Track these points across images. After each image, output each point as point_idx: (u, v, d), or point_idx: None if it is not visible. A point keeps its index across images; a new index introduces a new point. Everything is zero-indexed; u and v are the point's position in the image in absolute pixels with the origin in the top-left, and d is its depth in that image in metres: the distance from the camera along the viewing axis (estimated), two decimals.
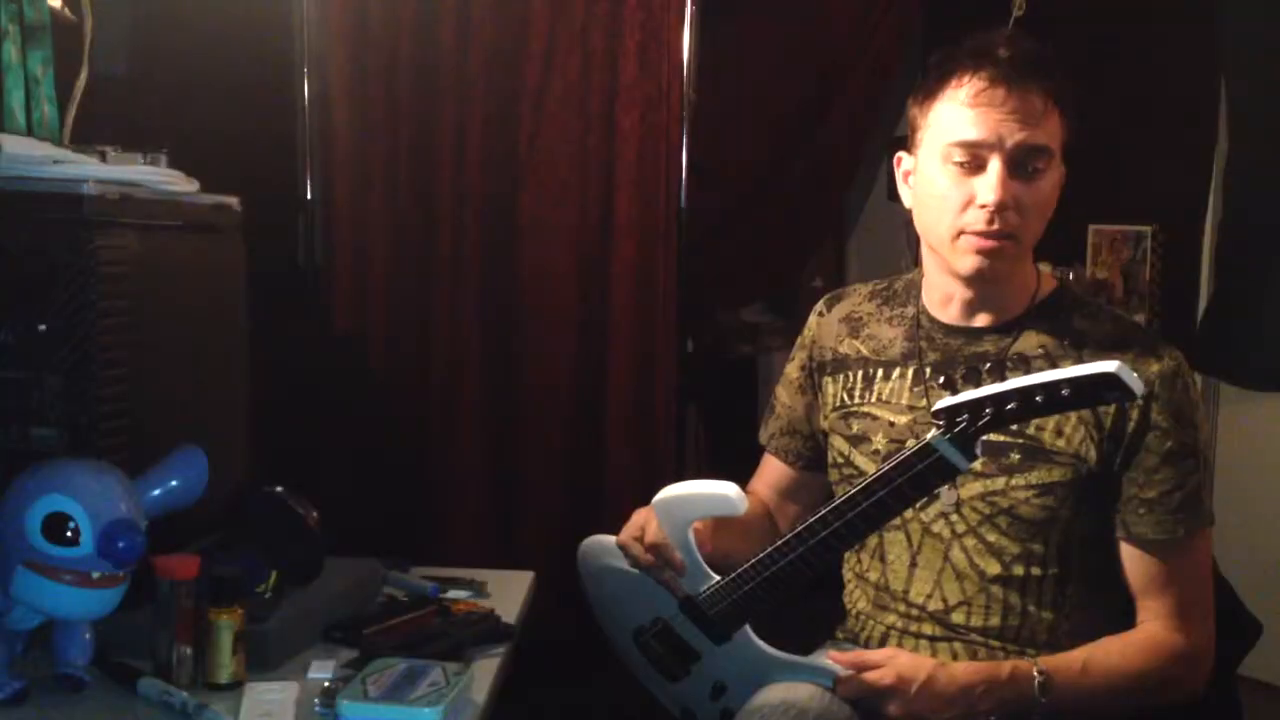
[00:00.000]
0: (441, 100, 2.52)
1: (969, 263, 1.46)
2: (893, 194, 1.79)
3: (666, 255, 2.52)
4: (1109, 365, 1.22)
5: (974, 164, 1.44)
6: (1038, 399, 1.25)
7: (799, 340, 1.75)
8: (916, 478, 1.36)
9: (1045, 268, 3.13)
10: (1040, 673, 1.41)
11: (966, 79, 1.45)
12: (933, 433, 1.34)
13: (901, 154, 1.57)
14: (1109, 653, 1.45)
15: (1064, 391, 1.24)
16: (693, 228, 2.56)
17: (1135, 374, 1.23)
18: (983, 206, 1.43)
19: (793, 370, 1.75)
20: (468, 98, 2.52)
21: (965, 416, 1.31)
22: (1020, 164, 1.43)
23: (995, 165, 1.42)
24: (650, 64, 2.48)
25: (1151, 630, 1.46)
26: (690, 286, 2.56)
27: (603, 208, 2.52)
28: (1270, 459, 3.21)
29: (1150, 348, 1.46)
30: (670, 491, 1.55)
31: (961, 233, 1.45)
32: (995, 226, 1.43)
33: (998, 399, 1.28)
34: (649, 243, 2.51)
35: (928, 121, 1.49)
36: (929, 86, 1.50)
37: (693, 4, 2.47)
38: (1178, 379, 1.44)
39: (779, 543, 1.47)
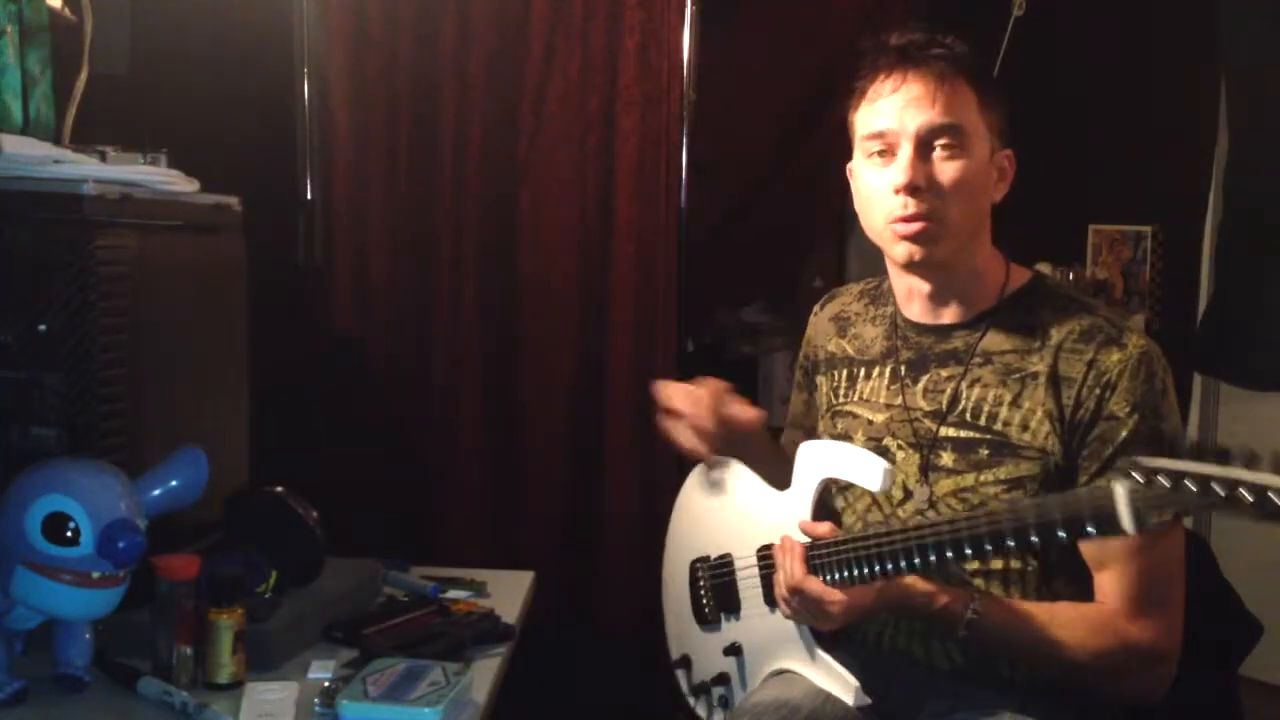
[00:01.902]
0: (441, 100, 2.51)
1: (900, 251, 1.50)
2: None
3: (666, 255, 2.52)
4: None
5: (888, 153, 1.49)
6: (1218, 491, 1.15)
7: (802, 341, 1.80)
8: (1074, 519, 1.26)
9: (1045, 267, 3.16)
10: (975, 612, 1.42)
11: (870, 78, 1.51)
12: (1124, 483, 1.21)
13: (850, 165, 1.61)
14: (1055, 619, 1.43)
15: (1245, 494, 1.13)
16: (693, 228, 2.56)
17: None
18: (897, 191, 1.47)
19: (797, 373, 1.80)
20: (468, 98, 2.52)
21: (1166, 481, 1.19)
22: (928, 145, 1.47)
23: (904, 149, 1.47)
24: (650, 64, 2.48)
25: (1104, 609, 1.44)
26: (690, 286, 2.56)
27: (603, 208, 2.52)
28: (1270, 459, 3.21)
29: (1115, 337, 1.45)
30: (824, 441, 1.59)
31: (888, 222, 1.49)
32: (911, 210, 1.46)
33: (1202, 479, 1.16)
34: (649, 243, 2.51)
35: (854, 127, 1.56)
36: (851, 96, 1.56)
37: (693, 4, 2.47)
38: (1141, 368, 1.43)
39: (883, 531, 1.42)
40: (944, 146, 1.47)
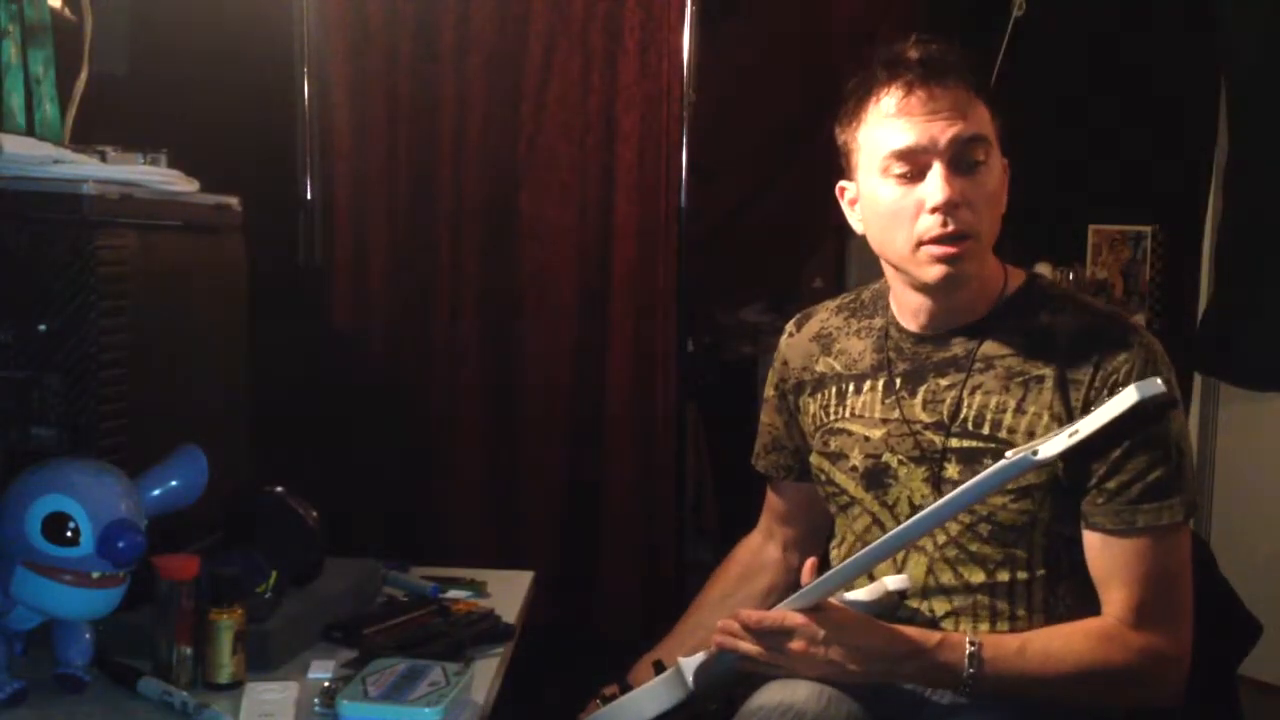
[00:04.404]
0: (441, 100, 2.52)
1: (934, 272, 1.45)
2: None
3: (666, 255, 2.52)
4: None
5: (915, 171, 1.43)
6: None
7: (774, 360, 1.75)
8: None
9: (1044, 267, 3.16)
10: (972, 643, 1.40)
11: (885, 92, 1.45)
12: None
13: (842, 184, 1.56)
14: (1053, 636, 1.43)
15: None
16: (693, 228, 2.57)
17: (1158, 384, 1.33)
18: (934, 210, 1.42)
19: (769, 390, 1.75)
20: (468, 98, 2.52)
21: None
22: (960, 159, 1.42)
23: (936, 167, 1.42)
24: (650, 64, 2.49)
25: (1106, 621, 1.43)
26: (690, 286, 2.56)
27: (602, 208, 2.52)
28: (1270, 459, 3.21)
29: (1120, 339, 1.44)
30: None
31: (920, 243, 1.44)
32: (951, 228, 1.42)
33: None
34: (649, 243, 2.51)
35: (859, 144, 1.49)
36: (852, 110, 1.50)
37: (693, 4, 2.47)
38: (1147, 369, 1.42)
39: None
40: (973, 160, 1.43)
